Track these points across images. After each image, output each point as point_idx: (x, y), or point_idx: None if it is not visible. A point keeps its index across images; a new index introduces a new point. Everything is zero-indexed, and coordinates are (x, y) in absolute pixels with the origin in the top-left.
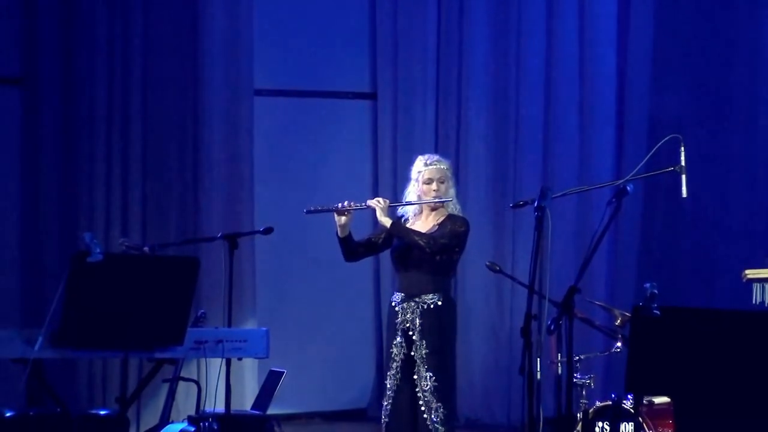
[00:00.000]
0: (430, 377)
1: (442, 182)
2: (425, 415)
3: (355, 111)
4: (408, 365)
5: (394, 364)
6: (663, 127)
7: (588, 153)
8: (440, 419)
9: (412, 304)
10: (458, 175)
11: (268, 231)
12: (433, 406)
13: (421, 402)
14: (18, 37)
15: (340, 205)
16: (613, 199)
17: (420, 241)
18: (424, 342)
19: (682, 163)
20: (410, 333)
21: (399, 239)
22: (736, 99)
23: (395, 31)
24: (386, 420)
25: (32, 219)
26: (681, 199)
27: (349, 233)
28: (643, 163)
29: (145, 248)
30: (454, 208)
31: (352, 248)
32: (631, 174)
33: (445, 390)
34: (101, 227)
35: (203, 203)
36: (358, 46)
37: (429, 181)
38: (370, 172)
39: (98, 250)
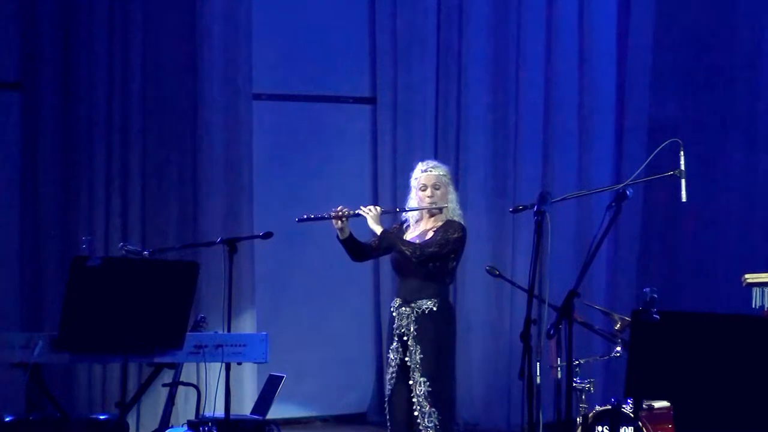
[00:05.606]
0: (424, 382)
1: (437, 188)
2: (418, 420)
3: (354, 115)
4: (404, 370)
5: (391, 369)
6: (663, 131)
7: (588, 157)
8: (434, 424)
9: (408, 309)
10: (458, 179)
11: (267, 235)
12: (427, 411)
13: (415, 407)
14: (17, 42)
15: (332, 212)
16: (613, 204)
17: (406, 251)
18: (418, 348)
19: (682, 167)
20: (405, 338)
21: (389, 246)
22: (736, 103)
23: (395, 35)
24: (388, 424)
25: (32, 224)
26: (680, 203)
27: (350, 235)
28: (642, 167)
29: (145, 253)
30: (453, 213)
31: (356, 249)
32: (630, 178)
33: (439, 395)
34: (101, 232)
35: (203, 208)
36: (357, 50)
37: (423, 188)
38: (370, 176)
39: (98, 255)
